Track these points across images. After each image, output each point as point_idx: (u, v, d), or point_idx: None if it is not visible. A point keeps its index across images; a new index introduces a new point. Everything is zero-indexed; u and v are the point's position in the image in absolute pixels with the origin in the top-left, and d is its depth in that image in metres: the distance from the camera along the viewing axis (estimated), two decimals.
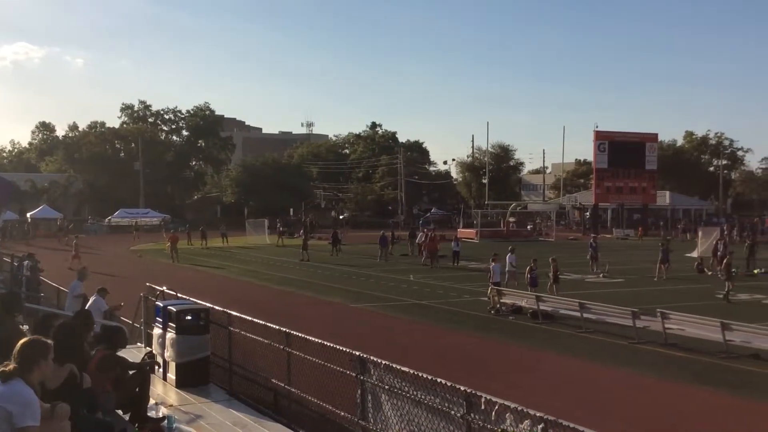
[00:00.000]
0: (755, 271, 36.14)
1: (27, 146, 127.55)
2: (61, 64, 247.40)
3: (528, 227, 76.89)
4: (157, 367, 10.98)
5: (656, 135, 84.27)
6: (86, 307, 14.44)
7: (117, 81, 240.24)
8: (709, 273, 36.05)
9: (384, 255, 43.43)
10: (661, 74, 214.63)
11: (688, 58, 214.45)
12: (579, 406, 12.55)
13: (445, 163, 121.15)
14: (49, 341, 5.91)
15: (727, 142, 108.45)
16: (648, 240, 62.24)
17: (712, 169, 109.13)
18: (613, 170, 79.11)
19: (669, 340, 18.36)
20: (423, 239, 45.47)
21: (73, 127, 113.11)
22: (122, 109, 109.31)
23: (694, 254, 41.76)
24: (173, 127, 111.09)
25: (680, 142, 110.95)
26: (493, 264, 25.41)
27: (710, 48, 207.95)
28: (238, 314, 11.50)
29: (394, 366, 7.82)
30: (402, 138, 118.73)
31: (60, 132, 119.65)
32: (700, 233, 44.95)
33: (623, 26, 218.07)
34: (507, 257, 28.31)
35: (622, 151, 78.39)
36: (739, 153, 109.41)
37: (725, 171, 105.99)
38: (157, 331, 12.06)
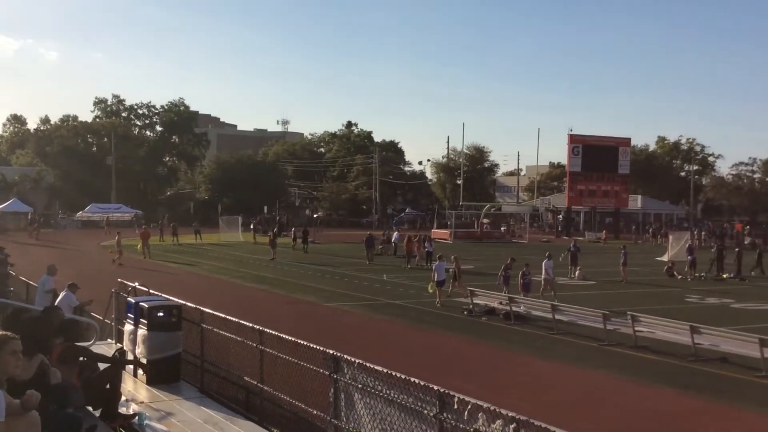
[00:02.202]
0: (724, 276, 36.66)
1: None
2: (35, 56, 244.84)
3: (501, 229, 77.30)
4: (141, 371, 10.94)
5: (629, 139, 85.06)
6: (56, 303, 14.33)
7: (91, 75, 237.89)
8: (680, 277, 36.50)
9: (370, 256, 43.14)
10: (636, 79, 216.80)
11: (662, 63, 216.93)
12: (550, 406, 12.64)
13: (420, 163, 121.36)
14: (12, 335, 5.83)
15: (698, 148, 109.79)
16: (613, 243, 63.31)
17: (683, 174, 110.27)
18: (586, 174, 79.75)
19: (639, 342, 18.57)
20: (399, 239, 45.84)
21: (45, 121, 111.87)
22: (95, 103, 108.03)
23: (665, 258, 42.24)
24: (147, 122, 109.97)
25: (653, 147, 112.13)
26: (437, 263, 26.02)
27: (685, 54, 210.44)
28: (210, 311, 11.43)
29: (367, 365, 7.82)
30: (377, 138, 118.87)
31: (32, 125, 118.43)
32: (670, 237, 45.48)
33: (598, 31, 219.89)
34: (543, 263, 27.02)
35: (595, 155, 79.04)
36: (710, 159, 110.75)
37: (696, 176, 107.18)
38: (128, 327, 11.96)
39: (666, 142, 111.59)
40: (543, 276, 26.83)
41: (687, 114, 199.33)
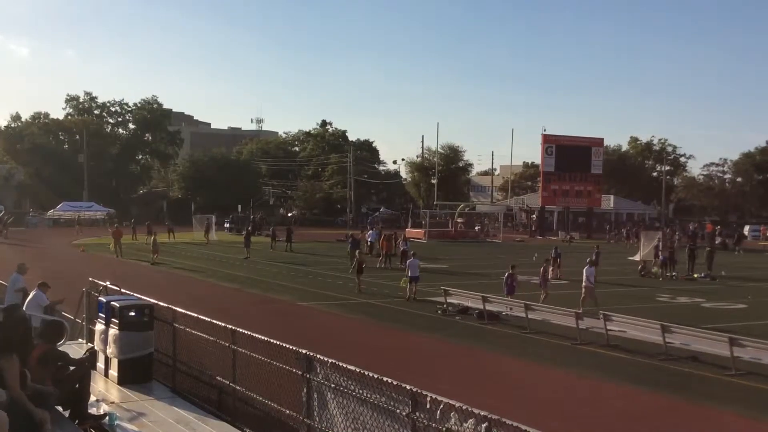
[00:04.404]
0: (695, 276, 37.03)
1: None
2: (6, 52, 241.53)
3: (476, 228, 77.51)
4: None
5: (602, 140, 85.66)
6: (27, 301, 14.17)
7: (63, 72, 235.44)
8: (655, 271, 36.85)
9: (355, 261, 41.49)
10: (609, 80, 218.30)
11: (635, 65, 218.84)
12: (522, 405, 12.69)
13: (394, 162, 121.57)
14: None
15: (670, 149, 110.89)
16: (580, 243, 64.10)
17: (655, 174, 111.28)
18: (559, 173, 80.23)
19: (611, 341, 18.71)
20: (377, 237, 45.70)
21: (16, 118, 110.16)
22: (67, 101, 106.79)
23: (637, 257, 42.59)
24: (119, 119, 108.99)
25: (625, 147, 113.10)
26: (410, 260, 27.30)
27: (657, 56, 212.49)
28: (182, 310, 11.35)
29: (340, 364, 7.80)
30: (352, 137, 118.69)
31: (2, 122, 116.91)
32: (642, 237, 45.85)
33: (572, 33, 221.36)
34: (584, 270, 24.56)
35: (569, 155, 79.55)
36: (682, 159, 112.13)
37: (668, 176, 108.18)
38: (99, 327, 11.84)
39: (638, 142, 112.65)
40: (584, 284, 24.44)
41: (659, 115, 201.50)
